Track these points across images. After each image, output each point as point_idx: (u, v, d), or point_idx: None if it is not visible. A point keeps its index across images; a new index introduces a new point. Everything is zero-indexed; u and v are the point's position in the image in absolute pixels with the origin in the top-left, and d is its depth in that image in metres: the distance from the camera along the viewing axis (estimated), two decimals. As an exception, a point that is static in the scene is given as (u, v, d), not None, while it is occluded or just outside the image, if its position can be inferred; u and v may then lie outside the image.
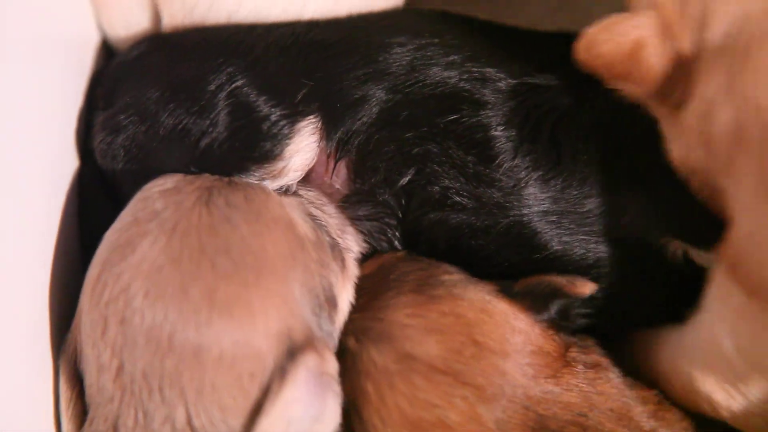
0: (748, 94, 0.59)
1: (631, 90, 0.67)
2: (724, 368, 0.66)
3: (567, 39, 0.70)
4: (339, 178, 0.78)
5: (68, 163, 0.79)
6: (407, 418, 0.65)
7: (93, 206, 0.79)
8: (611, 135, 0.75)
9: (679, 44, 0.63)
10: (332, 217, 0.77)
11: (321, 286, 0.66)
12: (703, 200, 0.68)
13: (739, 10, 0.61)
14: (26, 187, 0.69)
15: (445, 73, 0.77)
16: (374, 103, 0.77)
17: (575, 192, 0.75)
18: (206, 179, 0.69)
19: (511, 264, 0.76)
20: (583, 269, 0.75)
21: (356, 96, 0.77)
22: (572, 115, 0.75)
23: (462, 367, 0.66)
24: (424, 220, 0.77)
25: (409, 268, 0.72)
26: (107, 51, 0.89)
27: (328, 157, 0.78)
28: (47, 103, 0.75)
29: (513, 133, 0.75)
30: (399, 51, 0.78)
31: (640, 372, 0.74)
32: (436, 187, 0.76)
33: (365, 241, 0.79)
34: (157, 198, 0.66)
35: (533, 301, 0.70)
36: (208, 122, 0.75)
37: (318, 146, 0.78)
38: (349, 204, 0.79)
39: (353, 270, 0.73)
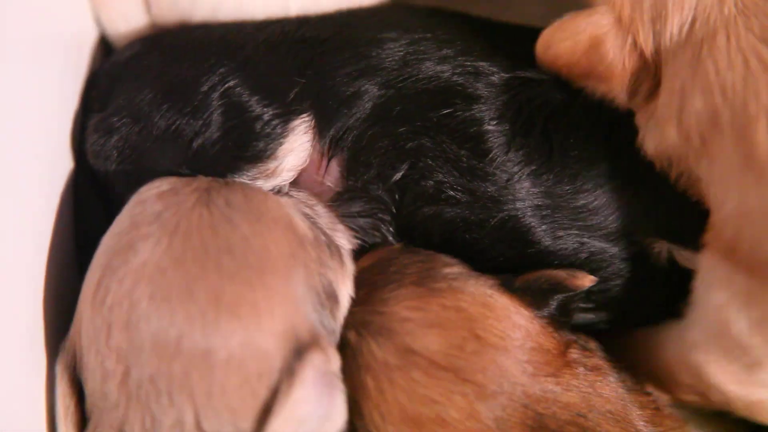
0: (711, 79, 0.61)
1: (599, 88, 0.68)
2: (738, 356, 0.66)
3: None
4: (331, 175, 0.78)
5: (64, 163, 0.79)
6: (407, 414, 0.65)
7: (88, 207, 0.79)
8: (601, 130, 0.75)
9: (638, 38, 0.64)
10: (322, 217, 0.76)
11: (321, 284, 0.66)
12: (683, 190, 0.70)
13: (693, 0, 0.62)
14: (22, 188, 0.69)
15: (438, 68, 0.78)
16: (367, 99, 0.77)
17: (567, 187, 0.75)
18: (203, 180, 0.68)
19: (506, 258, 0.77)
20: (577, 264, 0.76)
21: (349, 92, 0.77)
22: (564, 110, 0.76)
23: (462, 363, 0.66)
24: (418, 215, 0.77)
25: (408, 260, 0.72)
26: (104, 50, 0.89)
27: (321, 155, 0.78)
28: (43, 103, 0.75)
29: (506, 127, 0.76)
30: (391, 46, 0.78)
31: (640, 370, 0.75)
32: (430, 182, 0.76)
33: (357, 238, 0.79)
34: (156, 201, 0.65)
35: (533, 297, 0.70)
36: (200, 122, 0.75)
37: (311, 145, 0.77)
38: (341, 201, 0.78)
39: (350, 266, 0.73)
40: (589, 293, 0.73)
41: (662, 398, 0.75)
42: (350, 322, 0.69)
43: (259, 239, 0.63)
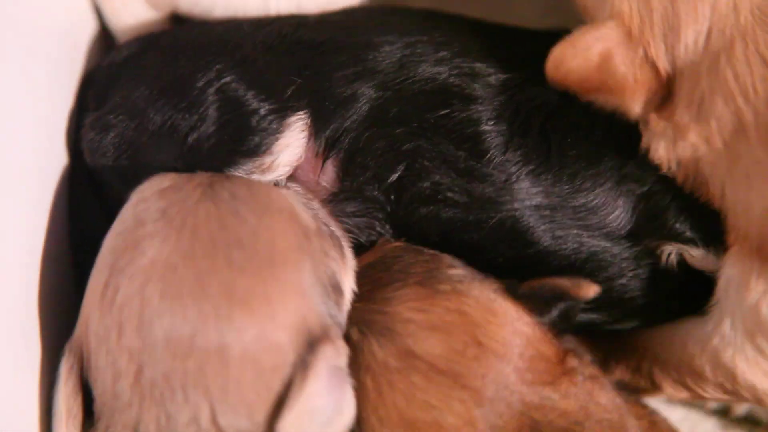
0: (731, 85, 0.63)
1: (610, 100, 0.69)
2: None
3: (556, 35, 0.71)
4: (326, 176, 0.78)
5: (58, 161, 0.78)
6: (404, 418, 0.65)
7: (84, 206, 0.78)
8: (599, 129, 0.76)
9: (649, 50, 0.65)
10: (319, 211, 0.76)
11: (326, 275, 0.66)
12: (690, 190, 0.71)
13: (708, 9, 0.64)
14: (15, 186, 0.68)
15: (435, 69, 0.78)
16: (364, 101, 0.77)
17: (566, 186, 0.75)
18: (204, 176, 0.67)
19: (505, 258, 0.77)
20: (577, 263, 0.76)
21: (346, 94, 0.77)
22: (562, 110, 0.76)
23: (462, 369, 0.65)
24: (415, 215, 0.77)
25: (413, 259, 0.72)
26: (102, 48, 0.88)
27: (316, 155, 0.77)
28: (37, 99, 0.74)
29: (503, 128, 0.76)
30: (388, 49, 0.78)
31: (651, 370, 0.76)
32: (427, 183, 0.76)
33: (352, 236, 0.78)
34: (159, 198, 0.64)
35: (536, 303, 0.70)
36: (196, 117, 0.74)
37: (307, 143, 0.77)
38: (336, 201, 0.78)
39: (351, 257, 0.73)
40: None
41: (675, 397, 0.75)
42: (353, 319, 0.69)
43: (267, 231, 0.63)
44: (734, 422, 0.87)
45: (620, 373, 0.81)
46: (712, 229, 0.72)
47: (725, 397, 0.73)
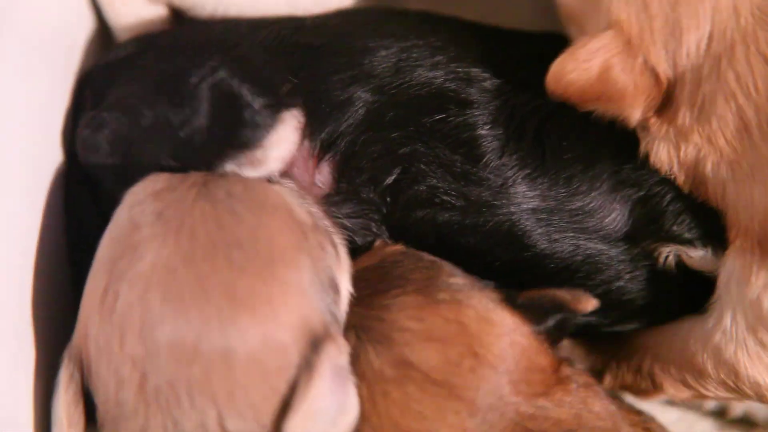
0: (732, 86, 0.64)
1: (610, 109, 0.69)
2: None
3: (551, 38, 0.71)
4: (322, 177, 0.78)
5: (53, 160, 0.78)
6: (398, 428, 0.64)
7: (79, 205, 0.78)
8: (595, 132, 0.76)
9: (649, 57, 0.66)
10: (314, 207, 0.76)
11: (324, 271, 0.65)
12: (688, 191, 0.71)
13: (709, 13, 0.64)
14: (11, 183, 0.68)
15: (431, 74, 0.78)
16: (360, 105, 0.77)
17: (563, 190, 0.76)
18: (198, 175, 0.66)
19: (502, 261, 0.77)
20: (574, 266, 0.76)
21: (342, 98, 0.77)
22: (557, 113, 0.76)
23: (458, 380, 0.65)
24: (411, 218, 0.77)
25: (413, 266, 0.71)
26: (99, 47, 0.88)
27: (312, 157, 0.77)
28: (32, 98, 0.74)
29: (499, 132, 0.76)
30: (384, 54, 0.78)
31: (652, 370, 0.76)
32: (423, 186, 0.76)
33: (347, 237, 0.78)
34: (153, 200, 0.63)
35: (534, 313, 0.70)
36: (189, 111, 0.74)
37: (300, 139, 0.77)
38: (332, 202, 0.78)
39: (345, 255, 0.72)
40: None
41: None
42: (351, 323, 0.68)
43: (266, 229, 0.62)
44: (730, 423, 0.87)
45: (621, 374, 0.81)
46: (709, 229, 0.73)
47: (727, 395, 0.74)
